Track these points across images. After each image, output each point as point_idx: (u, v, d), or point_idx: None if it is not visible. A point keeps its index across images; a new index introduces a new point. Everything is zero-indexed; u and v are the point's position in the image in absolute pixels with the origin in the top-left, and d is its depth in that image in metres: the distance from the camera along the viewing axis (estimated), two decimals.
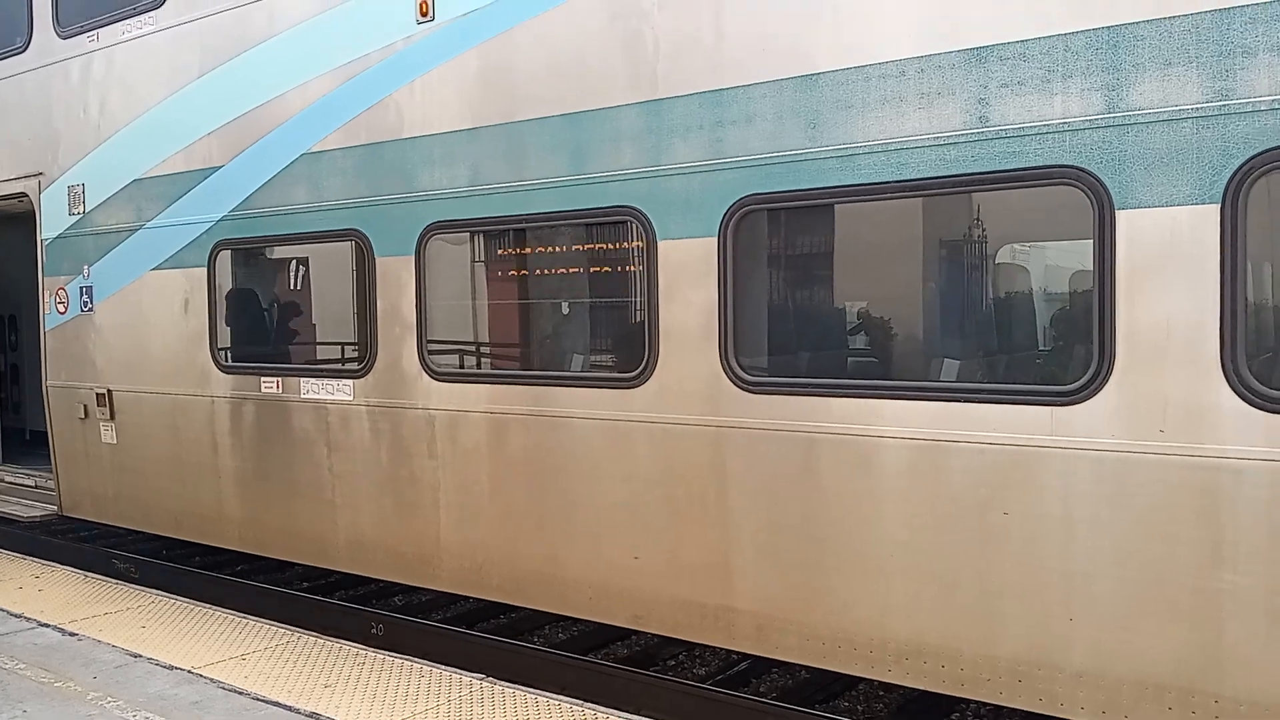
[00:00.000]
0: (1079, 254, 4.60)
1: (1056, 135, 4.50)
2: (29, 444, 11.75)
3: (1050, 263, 5.11)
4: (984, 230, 4.98)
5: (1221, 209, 4.17)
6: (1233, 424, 4.19)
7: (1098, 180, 4.41)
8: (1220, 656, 4.30)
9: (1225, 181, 4.15)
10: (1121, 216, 4.37)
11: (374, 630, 7.93)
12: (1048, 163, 4.52)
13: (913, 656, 5.07)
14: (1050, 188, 4.58)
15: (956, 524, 4.87)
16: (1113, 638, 4.53)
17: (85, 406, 8.98)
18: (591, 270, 6.36)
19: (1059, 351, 4.94)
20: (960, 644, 4.93)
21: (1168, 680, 4.43)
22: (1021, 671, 4.79)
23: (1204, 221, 4.20)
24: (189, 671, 6.14)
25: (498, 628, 8.24)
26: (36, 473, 10.05)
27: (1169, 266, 4.29)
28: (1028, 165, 4.57)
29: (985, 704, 5.48)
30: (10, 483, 10.26)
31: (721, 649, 6.24)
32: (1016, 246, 5.16)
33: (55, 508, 9.59)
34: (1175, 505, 4.34)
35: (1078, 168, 4.45)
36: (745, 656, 6.69)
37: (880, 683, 5.68)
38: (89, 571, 8.74)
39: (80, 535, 10.67)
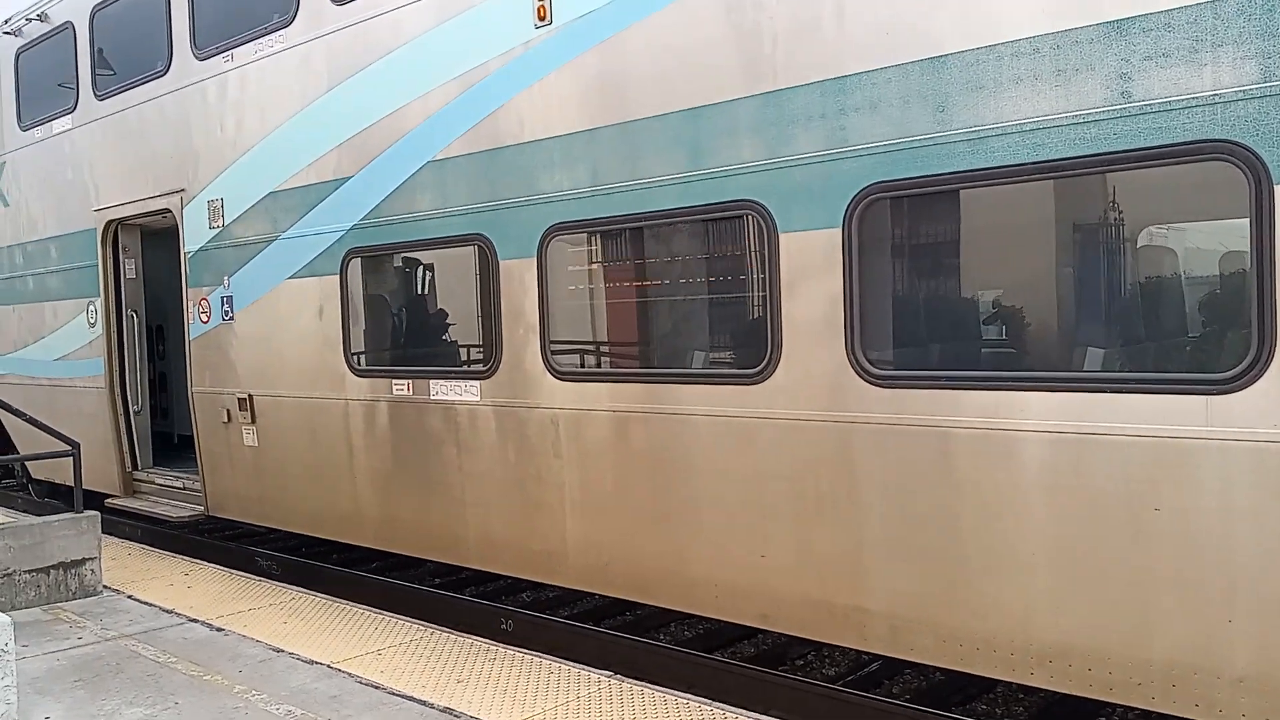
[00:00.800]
0: (1233, 233, 4.32)
1: (1207, 109, 4.23)
2: (176, 447, 12.34)
3: (1201, 244, 4.81)
4: (1127, 211, 4.73)
5: None
6: None
7: (1254, 154, 4.13)
8: None
9: None
10: None
11: (503, 625, 8.05)
12: (1198, 138, 4.26)
13: (1057, 659, 4.85)
14: (1201, 164, 4.31)
15: (1104, 520, 4.64)
16: (1277, 641, 4.24)
17: (228, 411, 9.37)
18: (712, 266, 6.30)
19: (1213, 337, 4.65)
20: (1109, 646, 4.69)
21: None
22: (1176, 676, 4.53)
23: None
24: (328, 666, 6.33)
25: (624, 624, 8.26)
26: (184, 475, 10.54)
27: None
28: (1176, 141, 4.32)
29: (1133, 709, 5.23)
30: (161, 484, 10.79)
31: (851, 649, 6.10)
32: (1163, 227, 4.88)
33: (202, 508, 10.03)
34: None
35: (1231, 141, 4.18)
36: (876, 657, 6.53)
37: (1020, 685, 5.46)
38: (234, 569, 9.14)
39: (226, 534, 11.18)
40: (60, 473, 10.80)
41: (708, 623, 7.83)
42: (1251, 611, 4.31)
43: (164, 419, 12.82)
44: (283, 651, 6.65)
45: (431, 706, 5.65)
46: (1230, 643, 4.38)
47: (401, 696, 5.80)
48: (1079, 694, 4.87)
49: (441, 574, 9.66)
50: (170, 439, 12.69)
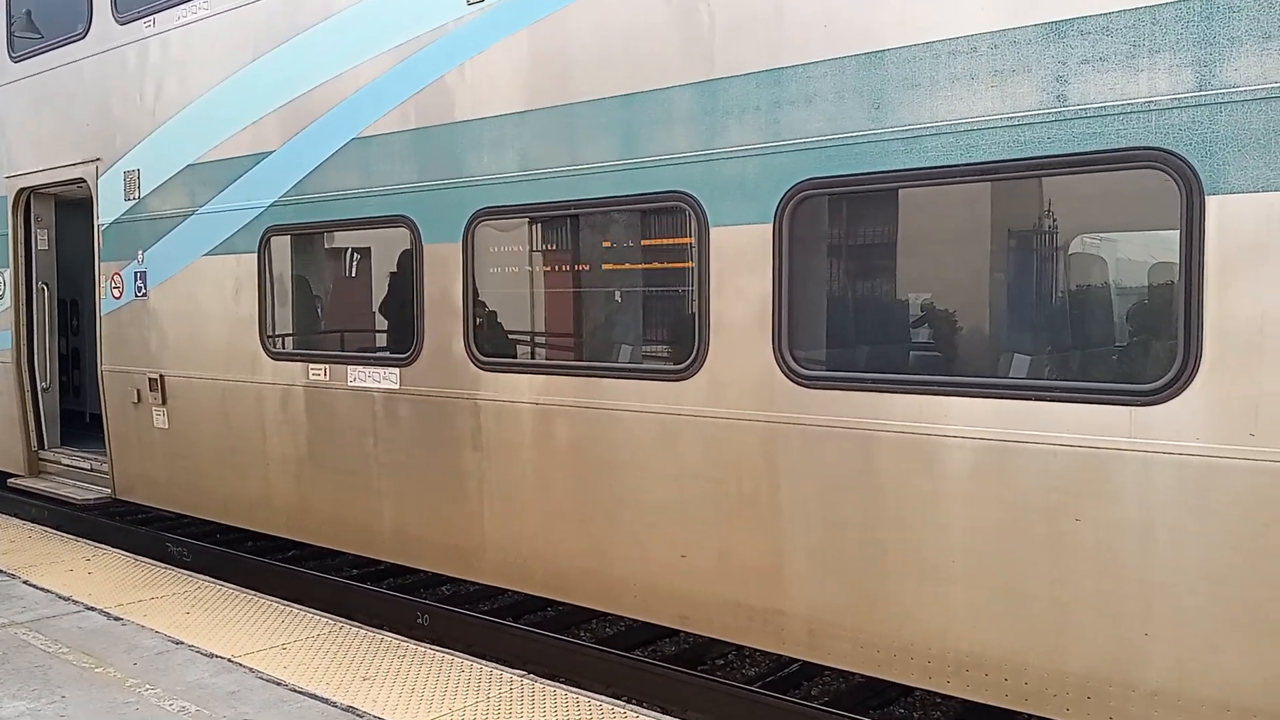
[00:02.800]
0: (1163, 244, 4.28)
1: (1142, 115, 4.18)
2: (88, 426, 11.87)
3: (1131, 254, 4.78)
4: (1058, 218, 4.67)
5: None
6: None
7: (1186, 163, 4.08)
8: None
9: None
10: (1212, 202, 4.04)
11: (419, 620, 7.84)
12: (1132, 145, 4.21)
13: (974, 668, 4.79)
14: (1133, 172, 4.26)
15: (1024, 530, 4.58)
16: (1193, 656, 4.21)
17: (138, 391, 9.01)
18: (642, 258, 6.16)
19: (1139, 348, 4.61)
20: (1026, 656, 4.64)
21: (1257, 705, 4.10)
22: (1091, 688, 4.49)
23: None
24: (229, 660, 6.07)
25: (544, 621, 8.10)
26: (93, 456, 10.13)
27: (1267, 255, 3.95)
28: (1109, 147, 4.26)
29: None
30: (67, 465, 10.36)
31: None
32: (1094, 236, 4.84)
33: (109, 491, 9.65)
34: (1267, 514, 4.01)
35: (1164, 150, 4.13)
36: (796, 659, 6.45)
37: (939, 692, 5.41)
38: (143, 556, 8.78)
39: (138, 518, 10.77)
40: None
41: (630, 620, 7.70)
42: (1168, 626, 4.27)
43: (76, 397, 12.34)
44: (183, 643, 6.36)
45: (334, 705, 5.43)
46: (1146, 656, 4.34)
47: (304, 694, 5.57)
48: (995, 704, 4.81)
49: (359, 565, 9.41)
50: (82, 418, 12.21)
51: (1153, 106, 4.15)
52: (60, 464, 10.43)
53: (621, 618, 7.35)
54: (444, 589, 9.02)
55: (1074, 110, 4.33)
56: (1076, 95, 4.33)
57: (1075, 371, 4.74)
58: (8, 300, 10.46)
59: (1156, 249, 4.44)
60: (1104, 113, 4.27)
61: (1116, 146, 4.24)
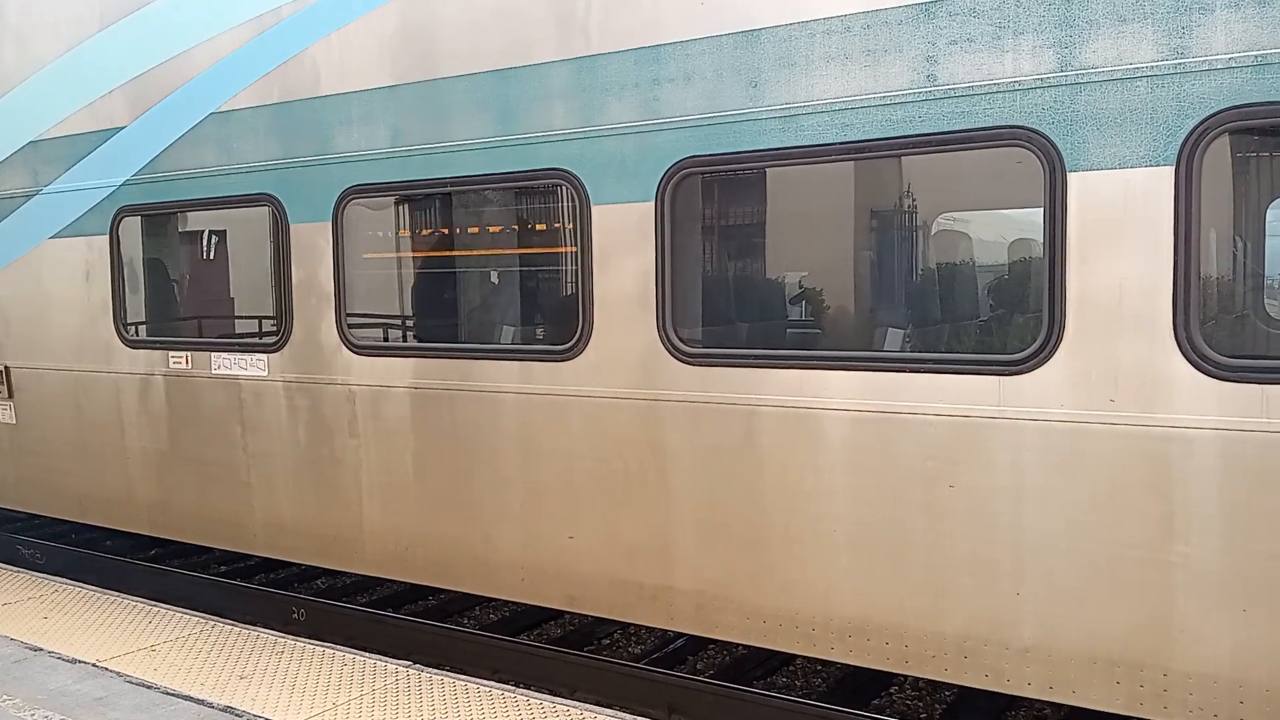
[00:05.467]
0: (1027, 220, 4.45)
1: (1007, 95, 4.32)
2: None
3: (997, 230, 4.96)
4: (929, 196, 4.81)
5: (1176, 171, 4.04)
6: (1186, 393, 4.09)
7: (1049, 141, 4.25)
8: (1171, 630, 4.22)
9: (1180, 143, 4.02)
10: (1073, 179, 4.22)
11: (296, 616, 7.60)
12: (998, 123, 4.35)
13: (856, 634, 4.92)
14: (1000, 150, 4.41)
15: (902, 498, 4.72)
16: (1060, 612, 4.43)
17: None
18: (522, 237, 6.07)
19: (1006, 320, 4.80)
20: (906, 620, 4.79)
21: (1116, 655, 4.34)
22: (968, 648, 4.67)
23: (1158, 184, 4.07)
24: (94, 665, 5.77)
25: (427, 610, 7.97)
26: None
27: (1123, 229, 4.15)
28: (977, 126, 4.40)
29: (925, 680, 5.39)
30: None
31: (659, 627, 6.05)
32: (963, 212, 5.00)
33: None
34: (1125, 475, 4.23)
35: (1028, 128, 4.29)
36: (682, 634, 6.51)
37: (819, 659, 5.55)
38: None
39: None
40: None
41: (515, 605, 7.65)
42: (1037, 585, 4.47)
43: None
44: (42, 650, 6.02)
45: (210, 706, 5.22)
46: (1017, 615, 4.54)
47: (177, 696, 5.34)
48: (876, 667, 4.97)
49: (228, 562, 9.06)
50: None
51: (1017, 86, 4.30)
52: None
53: (506, 602, 7.30)
54: (319, 583, 8.78)
55: (943, 90, 4.45)
56: (945, 75, 4.45)
57: (947, 344, 4.90)
58: None
59: (1022, 225, 4.61)
60: (972, 92, 4.40)
61: (984, 125, 4.38)
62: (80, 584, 7.42)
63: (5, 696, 5.31)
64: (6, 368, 8.23)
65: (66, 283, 7.75)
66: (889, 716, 5.76)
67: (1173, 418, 4.12)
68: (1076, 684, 4.44)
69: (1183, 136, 4.01)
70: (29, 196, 7.90)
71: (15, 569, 7.90)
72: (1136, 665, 4.30)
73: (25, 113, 7.85)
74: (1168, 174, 4.05)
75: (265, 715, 5.11)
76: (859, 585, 4.88)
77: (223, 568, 8.99)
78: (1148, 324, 4.13)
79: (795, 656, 6.44)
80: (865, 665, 4.98)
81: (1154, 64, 4.05)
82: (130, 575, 8.42)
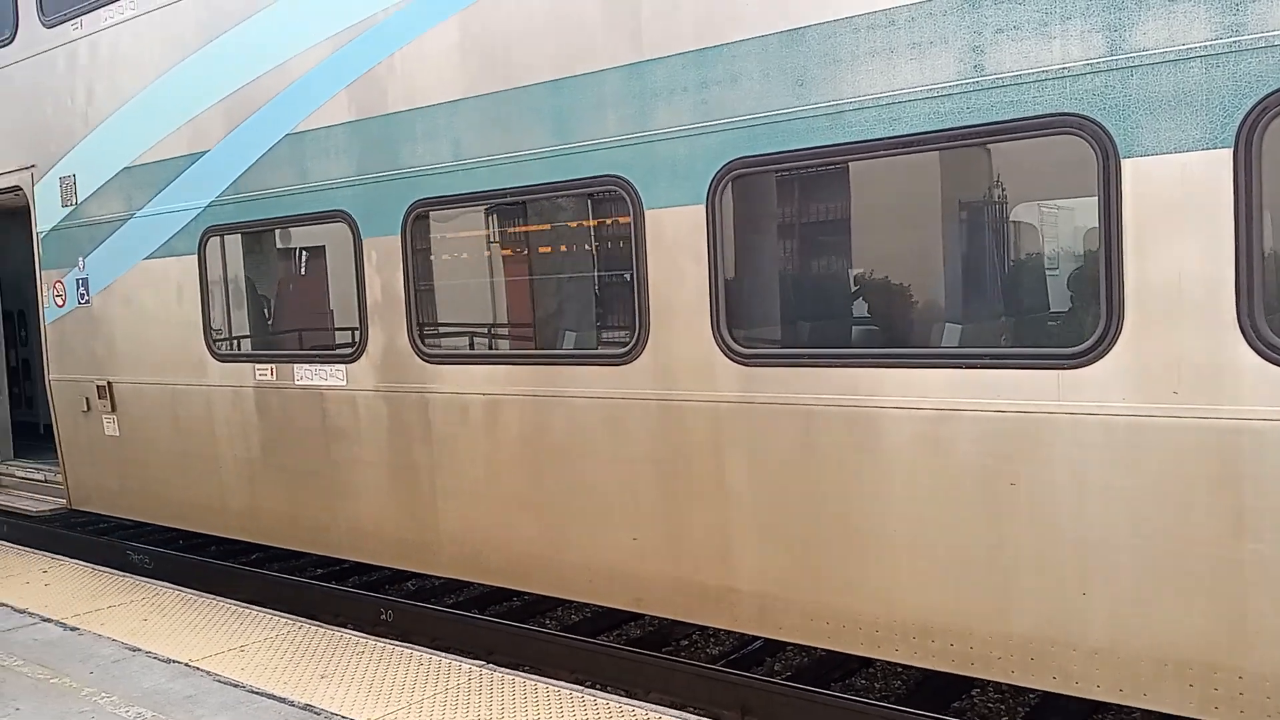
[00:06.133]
0: (1083, 210, 4.33)
1: (1056, 82, 4.21)
2: (42, 438, 11.73)
3: (1054, 220, 4.83)
4: (982, 188, 4.71)
5: (1234, 153, 3.88)
6: (1253, 383, 3.92)
7: (1101, 128, 4.13)
8: (1245, 631, 4.06)
9: (1238, 124, 3.86)
10: (1127, 165, 4.09)
11: (383, 616, 7.84)
12: (1048, 111, 4.25)
13: (920, 636, 4.85)
14: (1052, 139, 4.30)
15: (962, 497, 4.63)
16: (1129, 612, 4.29)
17: (87, 399, 8.91)
18: (581, 244, 6.15)
19: (1064, 312, 4.67)
20: (970, 621, 4.71)
21: (1189, 657, 4.19)
22: (1034, 649, 4.56)
23: (1216, 167, 3.92)
24: (186, 664, 6.05)
25: (510, 610, 8.11)
26: (46, 467, 10.02)
27: (1181, 216, 4.01)
28: (1027, 115, 4.30)
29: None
30: (21, 478, 10.25)
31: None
32: (1018, 204, 4.88)
33: (64, 501, 9.55)
34: (1192, 471, 4.08)
35: (1080, 115, 4.17)
36: (759, 636, 6.49)
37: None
38: (105, 565, 8.70)
39: (100, 527, 10.67)
40: None
41: (596, 606, 7.74)
42: (1104, 584, 4.35)
43: (28, 408, 12.18)
44: (140, 650, 6.33)
45: (291, 704, 5.42)
46: (1085, 615, 4.42)
47: (261, 694, 5.56)
48: (941, 669, 4.89)
49: (324, 565, 9.38)
50: (36, 429, 12.06)
51: (1067, 73, 4.19)
52: (14, 476, 10.31)
53: (588, 604, 7.40)
54: (409, 585, 9.02)
55: (991, 79, 4.36)
56: (993, 65, 4.36)
57: (1005, 338, 4.79)
58: None
59: (1078, 214, 4.48)
60: (1020, 81, 4.30)
61: (1034, 114, 4.27)
62: (180, 588, 7.77)
63: (104, 694, 5.61)
64: (110, 383, 8.69)
65: (160, 301, 8.14)
66: None
67: (1240, 409, 3.96)
68: (1147, 686, 4.30)
69: (1240, 117, 3.85)
70: (124, 220, 8.33)
71: (121, 573, 8.32)
72: (1210, 667, 4.15)
73: (119, 141, 8.28)
74: (1226, 157, 3.89)
75: (342, 714, 5.29)
76: (921, 586, 4.81)
77: (319, 570, 9.30)
78: (1210, 313, 3.98)
79: (875, 658, 6.37)
80: (930, 667, 4.91)
81: (1208, 43, 3.90)
82: (232, 579, 8.78)
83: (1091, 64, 4.13)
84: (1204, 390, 4.02)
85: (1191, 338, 4.02)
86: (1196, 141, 3.94)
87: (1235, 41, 3.84)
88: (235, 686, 5.68)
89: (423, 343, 6.55)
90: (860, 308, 5.22)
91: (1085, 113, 4.16)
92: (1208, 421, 4.03)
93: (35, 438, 11.78)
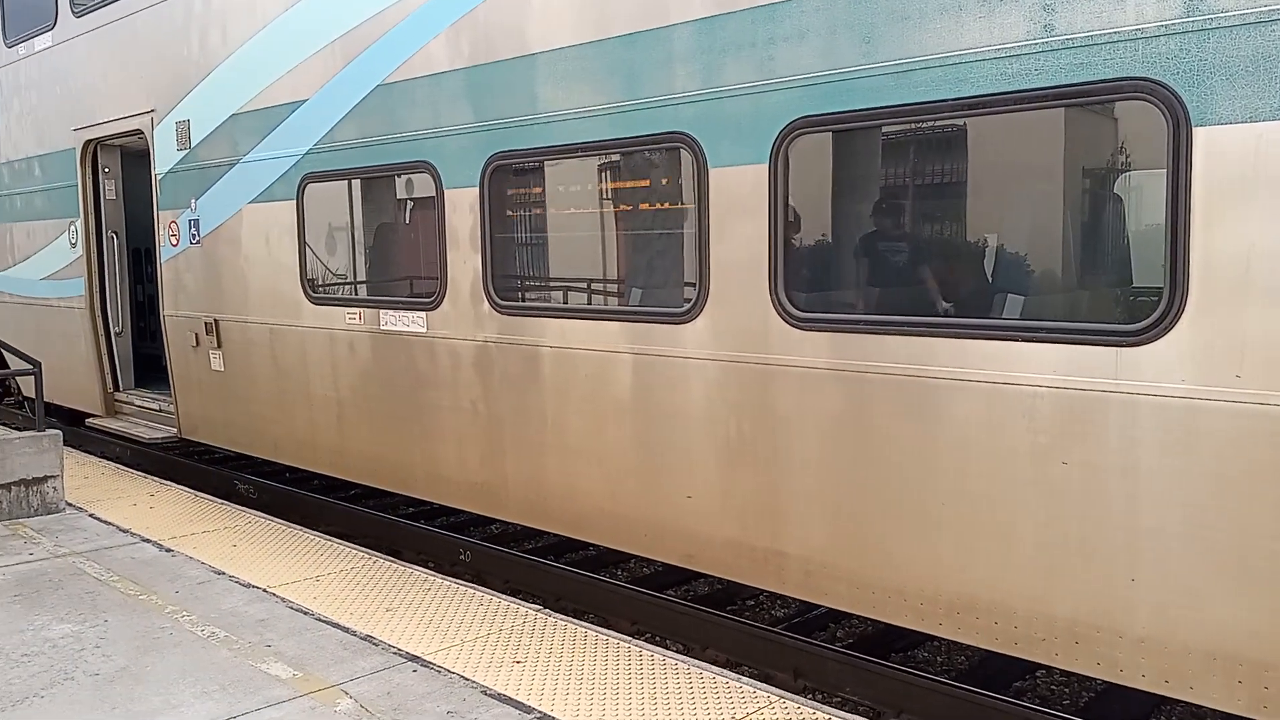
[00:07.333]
0: (1151, 180, 4.11)
1: (1129, 44, 4.00)
2: (165, 370, 12.42)
3: (1119, 190, 4.60)
4: (1047, 154, 4.51)
5: None
6: None
7: (1173, 94, 3.90)
8: None
9: None
10: (1199, 134, 3.87)
11: (462, 556, 8.09)
12: (1119, 75, 4.03)
13: (964, 611, 4.77)
14: (1121, 105, 4.09)
15: (1012, 473, 4.51)
16: (1178, 602, 4.13)
17: (196, 335, 9.40)
18: (647, 201, 6.15)
19: (1126, 287, 4.46)
20: (1014, 601, 4.60)
21: (1239, 652, 4.01)
22: (1079, 633, 4.43)
23: None
24: (264, 590, 6.38)
25: (586, 559, 8.25)
26: (162, 398, 10.63)
27: (1254, 190, 3.77)
28: (1097, 79, 4.09)
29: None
30: (139, 406, 10.89)
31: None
32: (1082, 172, 4.66)
33: (175, 431, 10.13)
34: (1252, 459, 3.88)
35: (1151, 79, 3.95)
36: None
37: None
38: (214, 493, 9.20)
39: (214, 457, 11.27)
40: (51, 391, 10.92)
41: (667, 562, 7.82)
42: (1153, 571, 4.19)
43: (152, 341, 12.88)
44: (224, 574, 6.71)
45: (354, 634, 5.68)
46: (1132, 602, 4.27)
47: (327, 623, 5.84)
48: (983, 647, 4.80)
49: (413, 504, 9.70)
50: (159, 361, 12.76)
51: (1140, 35, 3.97)
52: (133, 405, 10.97)
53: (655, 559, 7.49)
54: (492, 528, 9.27)
55: (1061, 40, 4.17)
56: (1064, 24, 4.16)
57: (1063, 312, 4.61)
58: (80, 249, 10.96)
59: (1145, 185, 4.26)
60: (1091, 42, 4.09)
61: (1103, 78, 4.07)
62: (271, 518, 8.17)
63: (184, 613, 5.99)
64: (216, 320, 9.14)
65: (262, 244, 8.50)
66: (1027, 702, 5.53)
67: None
68: (1194, 679, 4.14)
69: None
70: (231, 165, 8.70)
71: (220, 501, 8.79)
72: (1261, 665, 3.96)
73: (228, 88, 8.62)
74: None
75: (398, 645, 5.51)
76: (966, 561, 4.72)
77: (410, 509, 9.63)
78: (1278, 293, 3.74)
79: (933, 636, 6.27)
80: (973, 644, 4.83)
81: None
82: (324, 512, 9.19)
83: (1166, 25, 3.90)
84: (1269, 374, 3.80)
85: (1258, 319, 3.80)
86: (1273, 110, 3.70)
87: None
88: (305, 614, 5.97)
89: (496, 294, 6.68)
90: (916, 274, 5.09)
91: (1157, 77, 3.93)
92: (1271, 408, 3.81)
93: (159, 370, 12.48)
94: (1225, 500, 3.97)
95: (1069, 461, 4.35)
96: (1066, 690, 6.08)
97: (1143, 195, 4.40)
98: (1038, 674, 6.20)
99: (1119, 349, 4.15)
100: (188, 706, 4.78)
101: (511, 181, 6.67)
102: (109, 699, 4.87)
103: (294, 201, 8.08)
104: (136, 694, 4.92)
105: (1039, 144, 4.59)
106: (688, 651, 6.43)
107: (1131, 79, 4.00)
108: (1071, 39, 4.14)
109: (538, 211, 6.79)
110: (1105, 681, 5.72)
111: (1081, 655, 4.45)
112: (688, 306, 5.60)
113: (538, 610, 6.08)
